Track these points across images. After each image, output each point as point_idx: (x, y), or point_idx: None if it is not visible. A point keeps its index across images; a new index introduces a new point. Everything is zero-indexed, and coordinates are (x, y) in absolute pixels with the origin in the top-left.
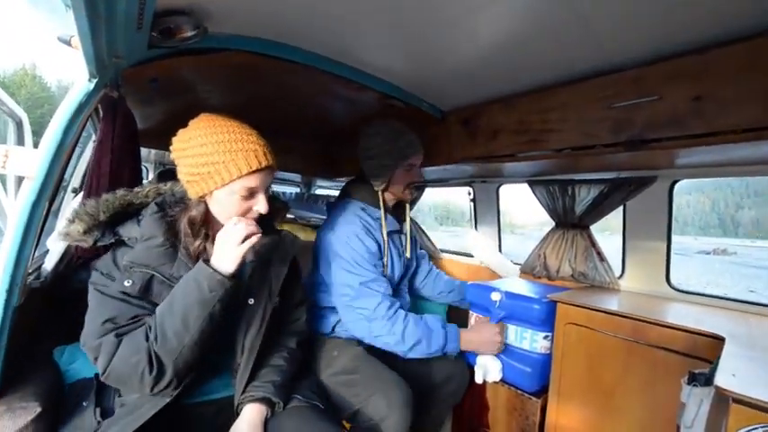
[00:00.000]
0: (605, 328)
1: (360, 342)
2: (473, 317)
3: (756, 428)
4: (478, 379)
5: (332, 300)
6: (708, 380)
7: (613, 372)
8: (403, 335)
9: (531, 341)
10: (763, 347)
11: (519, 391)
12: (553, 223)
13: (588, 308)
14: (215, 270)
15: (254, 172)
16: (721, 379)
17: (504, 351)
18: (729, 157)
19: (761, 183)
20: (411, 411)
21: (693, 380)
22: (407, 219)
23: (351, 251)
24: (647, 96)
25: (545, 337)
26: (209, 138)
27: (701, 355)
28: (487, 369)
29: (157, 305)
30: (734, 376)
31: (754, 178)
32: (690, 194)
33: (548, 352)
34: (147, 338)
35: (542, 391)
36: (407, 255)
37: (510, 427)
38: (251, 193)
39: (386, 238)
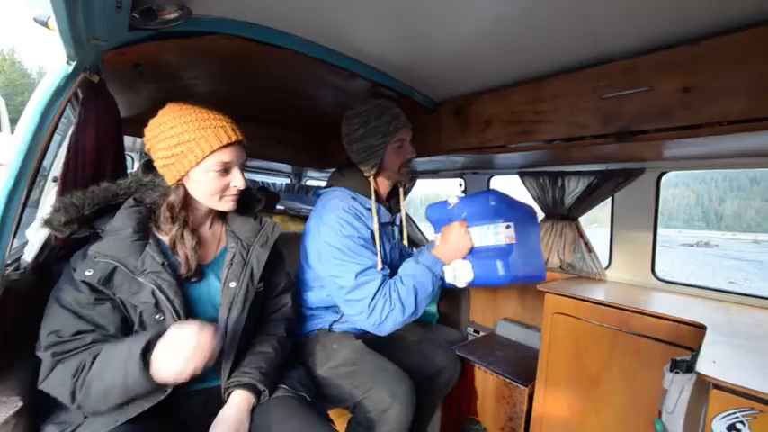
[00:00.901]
0: (592, 317)
1: (358, 335)
2: (437, 238)
3: (734, 412)
4: (449, 279)
5: (326, 298)
6: (689, 367)
7: (599, 360)
8: (401, 300)
9: (495, 234)
10: (743, 335)
11: (507, 380)
12: (542, 215)
13: (575, 298)
14: (146, 366)
15: (225, 146)
16: (702, 365)
17: (472, 253)
18: (716, 150)
19: (743, 177)
20: (413, 403)
21: (675, 367)
22: (402, 208)
23: (343, 238)
24: (639, 87)
25: (507, 227)
26: (178, 120)
27: (684, 342)
28: (457, 271)
29: (117, 296)
30: (714, 363)
31: (736, 173)
32: (675, 188)
33: (513, 242)
34: (76, 376)
35: (530, 379)
36: (405, 242)
37: (498, 414)
38: (226, 169)
39: (377, 227)
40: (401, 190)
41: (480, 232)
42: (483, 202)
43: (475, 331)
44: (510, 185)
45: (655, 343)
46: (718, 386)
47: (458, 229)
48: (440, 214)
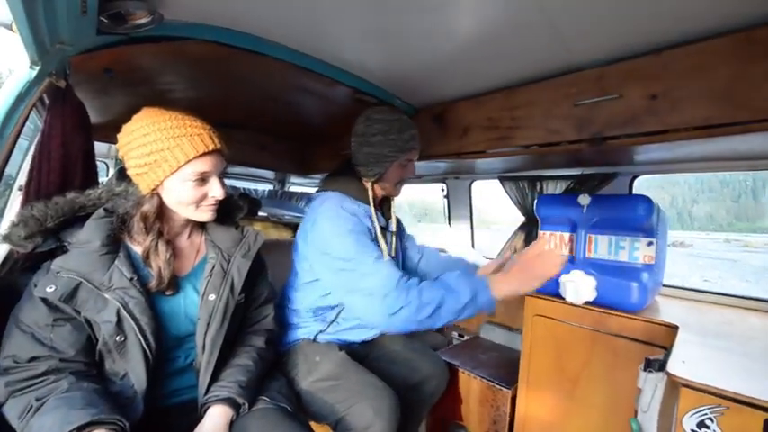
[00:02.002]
0: (570, 318)
1: (341, 347)
2: (543, 236)
3: (703, 410)
4: (570, 297)
5: (317, 299)
6: (661, 366)
7: (578, 360)
8: (421, 299)
9: (631, 250)
10: (713, 335)
11: (490, 383)
12: (522, 219)
13: (554, 300)
14: None
15: (202, 155)
16: (672, 365)
17: (596, 267)
18: (683, 154)
19: (713, 179)
20: (397, 419)
21: (649, 366)
22: (393, 216)
23: (348, 231)
24: (609, 95)
25: (649, 245)
26: (152, 127)
27: (658, 342)
28: (579, 287)
29: (82, 314)
30: (683, 362)
31: (707, 175)
32: (648, 191)
33: (652, 262)
34: (21, 418)
35: (513, 381)
36: (392, 254)
37: (482, 418)
38: (203, 179)
39: (379, 229)
40: (392, 200)
41: (612, 244)
42: (628, 209)
43: (459, 335)
44: (494, 190)
45: (631, 343)
46: (686, 385)
47: (554, 265)
48: (559, 211)
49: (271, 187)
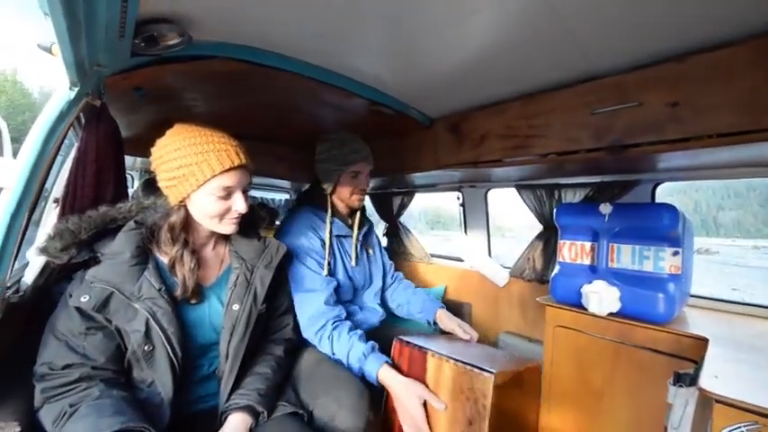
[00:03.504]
0: (593, 330)
1: None
2: (564, 246)
3: (739, 427)
4: (593, 308)
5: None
6: (692, 380)
7: (602, 373)
8: (331, 348)
9: (656, 260)
10: (746, 348)
11: (467, 367)
12: (540, 228)
13: (576, 311)
14: None
15: (227, 171)
16: (704, 381)
17: (619, 277)
18: (707, 161)
19: (739, 184)
20: (362, 408)
21: (678, 380)
22: (356, 225)
23: (298, 251)
24: (628, 103)
25: (674, 254)
26: (182, 142)
27: (686, 355)
28: (602, 298)
29: (113, 323)
30: (716, 378)
31: (732, 180)
32: (672, 196)
33: (678, 272)
34: (56, 423)
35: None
36: (353, 262)
37: (455, 418)
38: (228, 193)
39: (329, 237)
40: (358, 212)
41: (636, 253)
42: (652, 218)
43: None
44: (510, 197)
45: (658, 356)
46: (720, 401)
47: (418, 406)
48: (579, 220)
49: (287, 196)
